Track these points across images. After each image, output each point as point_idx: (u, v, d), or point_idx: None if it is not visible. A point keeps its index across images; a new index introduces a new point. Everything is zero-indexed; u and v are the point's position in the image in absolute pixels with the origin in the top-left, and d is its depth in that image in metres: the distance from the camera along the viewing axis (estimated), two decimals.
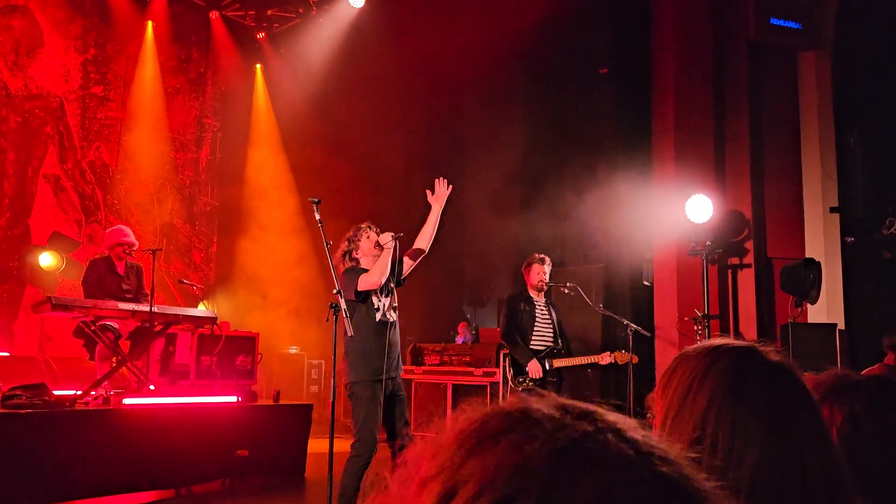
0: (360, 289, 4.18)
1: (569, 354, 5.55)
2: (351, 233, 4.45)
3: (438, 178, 4.53)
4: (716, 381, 0.93)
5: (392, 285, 4.39)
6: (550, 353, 5.48)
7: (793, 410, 0.92)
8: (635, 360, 5.55)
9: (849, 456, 1.16)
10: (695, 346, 1.01)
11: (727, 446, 0.88)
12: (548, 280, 5.61)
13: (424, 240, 4.56)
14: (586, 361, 5.54)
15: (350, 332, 4.09)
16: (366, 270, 4.29)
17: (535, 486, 0.42)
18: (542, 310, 5.57)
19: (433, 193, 4.54)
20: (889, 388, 1.22)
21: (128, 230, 6.44)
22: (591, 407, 0.49)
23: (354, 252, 4.37)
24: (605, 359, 5.48)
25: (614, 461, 0.44)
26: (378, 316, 4.23)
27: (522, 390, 5.35)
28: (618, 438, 0.45)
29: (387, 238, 4.28)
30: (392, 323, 4.29)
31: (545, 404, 0.48)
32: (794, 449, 0.88)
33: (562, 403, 0.49)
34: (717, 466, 0.87)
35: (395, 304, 4.39)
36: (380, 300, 4.28)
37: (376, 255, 4.31)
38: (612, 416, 0.48)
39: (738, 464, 0.87)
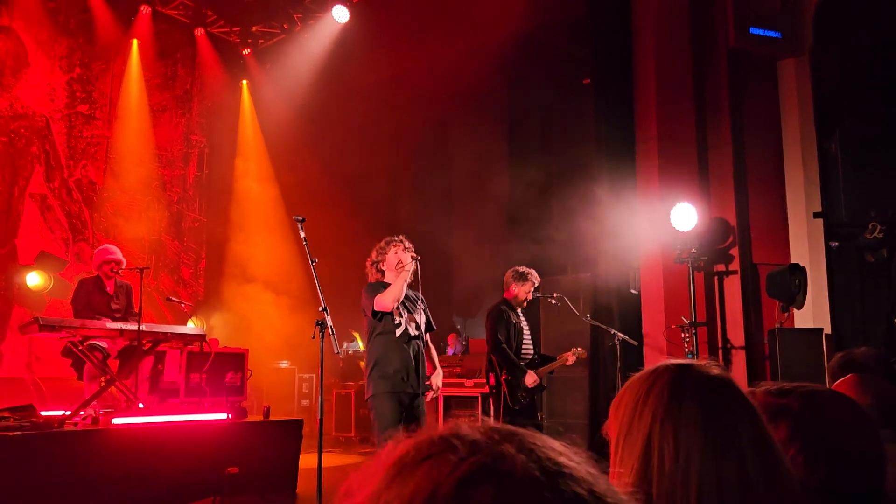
0: (375, 309, 4.28)
1: (542, 363, 5.62)
2: (382, 243, 4.56)
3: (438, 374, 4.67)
4: (657, 398, 0.97)
5: (421, 306, 4.52)
6: (533, 364, 5.54)
7: (730, 421, 0.95)
8: (583, 355, 5.70)
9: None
10: (641, 371, 1.06)
11: (673, 457, 0.92)
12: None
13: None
14: (557, 366, 5.61)
15: (336, 350, 4.13)
16: (386, 286, 4.37)
17: None
18: (524, 322, 5.63)
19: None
20: (807, 410, 1.22)
21: (115, 248, 6.44)
22: (521, 430, 0.51)
23: (381, 264, 4.48)
24: (570, 358, 5.59)
25: (519, 483, 0.45)
26: (399, 331, 4.29)
27: (519, 409, 5.36)
28: (529, 459, 0.47)
29: (407, 258, 4.37)
30: (414, 338, 4.35)
31: (473, 429, 0.50)
32: (735, 459, 0.92)
33: (490, 427, 0.51)
34: (667, 478, 0.90)
35: (420, 323, 4.47)
36: (401, 316, 4.34)
37: (399, 270, 4.40)
38: (537, 439, 0.50)
39: (685, 475, 0.91)
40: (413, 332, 4.36)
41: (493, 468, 0.46)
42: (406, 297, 4.41)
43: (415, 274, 4.40)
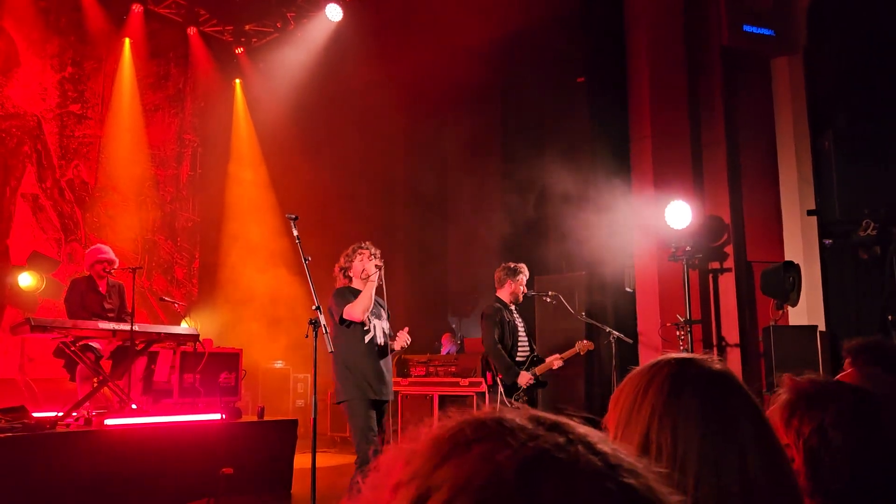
0: (344, 317, 4.38)
1: (541, 360, 5.61)
2: (349, 250, 4.64)
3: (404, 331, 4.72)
4: (656, 392, 0.95)
5: (382, 311, 4.59)
6: (532, 362, 5.53)
7: (731, 416, 0.94)
8: (591, 346, 5.79)
9: (814, 468, 1.18)
10: (642, 365, 1.04)
11: (671, 452, 0.91)
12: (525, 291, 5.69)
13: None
14: (560, 363, 5.60)
15: (330, 349, 4.13)
16: (354, 291, 4.46)
17: (505, 493, 0.43)
18: (519, 320, 5.62)
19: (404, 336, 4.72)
20: (860, 402, 1.22)
21: (107, 248, 6.40)
22: (562, 419, 0.50)
23: (349, 270, 4.56)
24: (569, 354, 5.63)
25: (583, 472, 0.45)
26: (367, 337, 4.37)
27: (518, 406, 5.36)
28: (587, 450, 0.46)
29: (371, 269, 4.46)
30: (381, 345, 4.43)
31: (518, 415, 0.49)
32: (735, 453, 0.91)
33: (534, 415, 0.50)
34: (664, 472, 0.88)
35: (386, 329, 4.57)
36: (371, 322, 4.42)
37: (364, 279, 4.49)
38: (582, 429, 0.49)
39: (682, 469, 0.89)
40: (380, 339, 4.47)
41: (554, 456, 0.45)
42: (374, 303, 4.51)
43: (380, 280, 4.51)
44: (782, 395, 1.26)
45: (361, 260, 4.55)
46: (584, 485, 0.44)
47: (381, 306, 4.66)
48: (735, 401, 0.96)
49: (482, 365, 5.56)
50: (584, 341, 5.75)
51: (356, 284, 4.54)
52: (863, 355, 1.94)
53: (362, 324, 4.37)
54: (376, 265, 4.47)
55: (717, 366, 1.00)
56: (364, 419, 4.25)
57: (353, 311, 4.35)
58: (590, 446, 0.47)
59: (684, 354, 1.02)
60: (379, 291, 4.52)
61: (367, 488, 0.49)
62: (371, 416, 4.26)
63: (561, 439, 0.47)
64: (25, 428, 4.84)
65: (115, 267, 6.30)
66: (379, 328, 4.50)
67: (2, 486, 4.51)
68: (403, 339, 4.63)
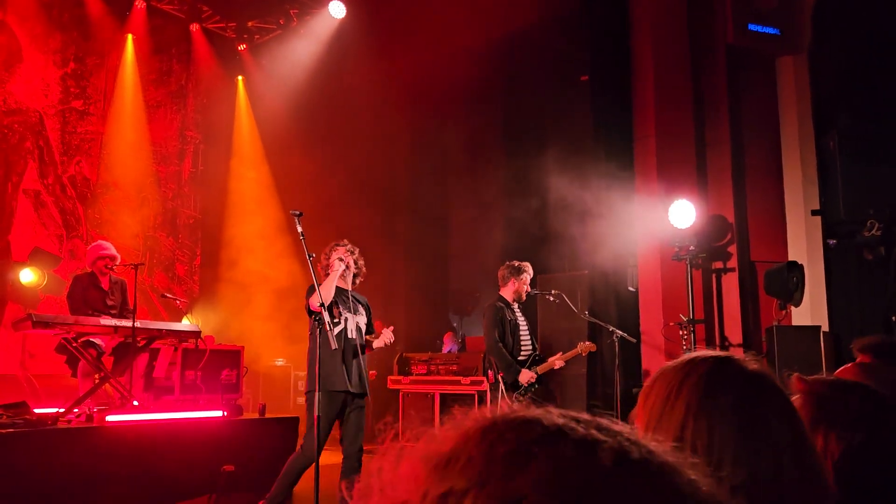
0: (310, 308, 4.48)
1: (543, 359, 5.60)
2: (328, 248, 4.76)
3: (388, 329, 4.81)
4: (691, 390, 0.93)
5: (361, 308, 4.70)
6: (534, 361, 5.51)
7: (767, 417, 0.92)
8: (593, 348, 5.80)
9: (846, 487, 1.14)
10: (675, 360, 1.01)
11: (706, 451, 0.88)
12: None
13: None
14: (562, 363, 5.59)
15: (333, 345, 4.15)
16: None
17: (606, 493, 0.40)
18: (521, 318, 5.60)
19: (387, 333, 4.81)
20: (886, 419, 1.19)
21: (108, 244, 6.38)
22: (586, 416, 0.47)
23: (329, 267, 4.66)
24: (570, 354, 5.64)
25: (653, 473, 0.43)
26: (337, 330, 4.44)
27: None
28: (640, 450, 0.44)
29: (335, 263, 4.58)
30: (351, 340, 4.51)
31: (547, 413, 0.47)
32: (770, 455, 0.88)
33: (568, 413, 0.47)
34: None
35: (361, 325, 4.65)
36: (341, 316, 4.53)
37: (330, 272, 4.59)
38: (613, 425, 0.47)
39: (718, 466, 0.87)
40: (352, 334, 4.54)
41: (632, 457, 0.43)
42: (347, 299, 4.61)
43: (355, 274, 4.68)
44: (797, 400, 1.23)
45: (335, 255, 4.66)
46: (656, 484, 0.43)
47: (360, 303, 4.75)
48: (771, 401, 0.94)
49: (484, 363, 5.55)
50: (587, 342, 5.74)
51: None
52: (873, 351, 1.92)
53: (332, 318, 4.44)
54: (339, 258, 4.56)
55: (754, 365, 0.97)
56: (323, 414, 4.34)
57: (313, 299, 4.44)
58: (641, 447, 0.45)
59: (720, 353, 1.00)
60: (359, 288, 4.65)
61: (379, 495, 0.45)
62: (331, 412, 4.37)
63: (613, 438, 0.45)
64: (27, 424, 4.82)
65: (117, 263, 6.28)
66: (352, 323, 4.57)
67: (3, 481, 4.50)
68: (387, 336, 4.67)
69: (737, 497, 0.84)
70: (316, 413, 4.27)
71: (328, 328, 4.20)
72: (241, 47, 11.02)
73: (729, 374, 0.95)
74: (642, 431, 0.95)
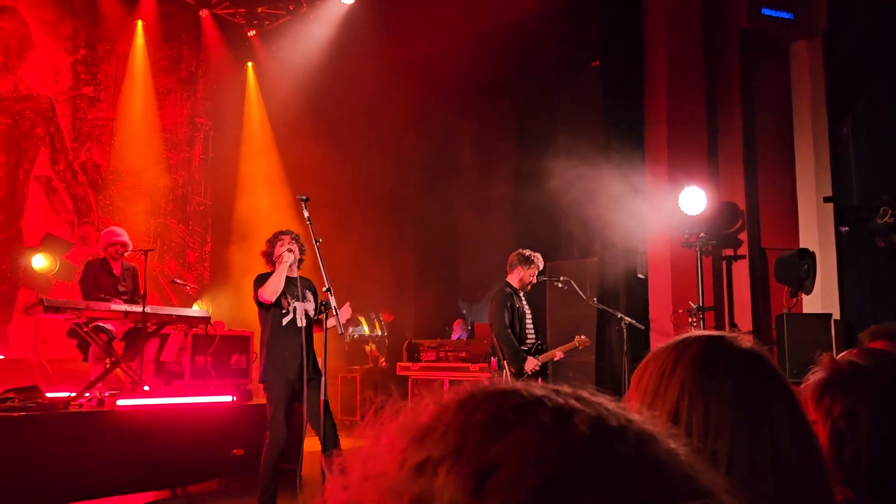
0: (260, 300, 4.58)
1: (545, 349, 5.61)
2: (271, 236, 4.80)
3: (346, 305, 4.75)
4: (685, 369, 0.92)
5: (308, 293, 4.75)
6: (537, 350, 5.51)
7: (763, 396, 0.91)
8: (587, 343, 5.83)
9: (838, 449, 1.15)
10: (668, 341, 1.00)
11: (701, 431, 0.87)
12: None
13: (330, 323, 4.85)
14: (561, 354, 5.59)
15: (341, 331, 4.18)
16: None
17: (580, 461, 0.40)
18: (527, 306, 5.60)
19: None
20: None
21: (121, 231, 6.42)
22: (574, 390, 0.48)
23: (273, 255, 4.70)
24: (567, 347, 5.66)
25: (640, 436, 0.43)
26: (286, 320, 4.53)
27: None
28: (622, 419, 0.45)
29: (284, 255, 4.61)
30: (302, 328, 4.58)
31: (527, 385, 0.46)
32: (767, 433, 0.88)
33: (549, 386, 0.47)
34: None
35: (310, 311, 4.70)
36: (290, 305, 4.59)
37: (279, 263, 4.62)
38: (592, 395, 0.47)
39: (714, 445, 0.86)
40: (301, 321, 4.60)
41: (609, 425, 0.43)
42: (295, 286, 4.66)
43: (298, 262, 4.73)
44: (819, 372, 1.24)
45: (280, 245, 4.68)
46: (640, 448, 0.42)
47: (309, 289, 4.81)
48: (767, 380, 0.92)
49: (490, 349, 5.54)
50: (582, 336, 5.74)
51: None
52: (888, 336, 1.91)
53: (280, 306, 4.53)
54: (288, 249, 4.61)
55: (747, 343, 0.96)
56: (277, 401, 4.48)
57: (263, 292, 4.53)
58: (622, 416, 0.45)
59: (712, 332, 0.99)
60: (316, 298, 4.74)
61: (359, 471, 0.44)
62: (285, 398, 4.47)
63: (603, 410, 0.45)
64: (39, 407, 4.88)
65: (129, 250, 6.32)
66: (300, 310, 4.64)
67: (15, 464, 4.56)
68: (346, 313, 4.64)
69: (732, 475, 0.84)
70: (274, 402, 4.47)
71: (290, 315, 4.37)
72: (251, 33, 11.00)
73: (723, 352, 0.94)
74: (636, 411, 0.94)
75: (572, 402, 0.44)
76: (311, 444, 6.08)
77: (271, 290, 4.53)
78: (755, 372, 0.92)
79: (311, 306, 4.76)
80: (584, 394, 0.46)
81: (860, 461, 1.11)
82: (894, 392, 1.16)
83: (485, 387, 0.46)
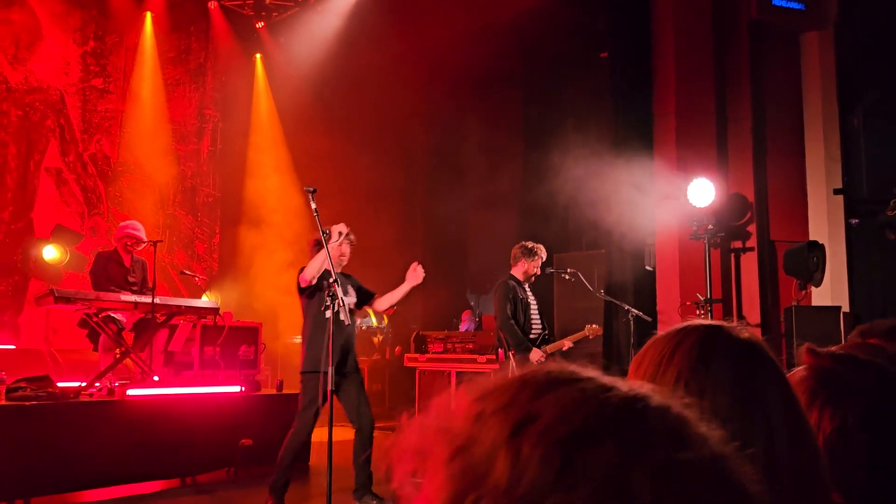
0: (301, 286, 4.62)
1: (552, 339, 5.62)
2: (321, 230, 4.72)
3: (415, 263, 4.88)
4: (683, 358, 0.92)
5: (351, 289, 4.80)
6: (544, 340, 5.52)
7: (760, 386, 0.91)
8: (600, 331, 5.85)
9: (833, 464, 1.12)
10: (667, 329, 1.00)
11: None
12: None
13: (386, 303, 5.05)
14: (570, 344, 5.60)
15: (347, 321, 4.19)
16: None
17: (608, 426, 0.44)
18: (531, 297, 5.60)
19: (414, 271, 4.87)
20: (888, 392, 1.15)
21: (140, 226, 6.47)
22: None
23: (329, 238, 4.64)
24: (578, 336, 5.68)
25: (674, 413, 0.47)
26: (329, 313, 4.42)
27: None
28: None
29: (332, 236, 4.59)
30: (344, 323, 4.57)
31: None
32: (761, 426, 0.88)
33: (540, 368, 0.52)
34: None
35: (351, 304, 4.73)
36: (332, 298, 4.48)
37: (336, 256, 4.63)
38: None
39: None
40: (343, 316, 4.57)
41: (645, 399, 0.47)
42: (338, 280, 4.57)
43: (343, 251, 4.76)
44: (801, 372, 1.20)
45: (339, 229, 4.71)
46: (671, 414, 0.46)
47: (352, 285, 4.85)
48: (764, 371, 0.92)
49: (496, 341, 5.56)
50: (594, 325, 5.74)
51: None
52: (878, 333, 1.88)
53: (323, 300, 4.48)
54: (340, 231, 4.60)
55: (745, 334, 0.96)
56: (311, 392, 4.47)
57: (305, 273, 4.54)
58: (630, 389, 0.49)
59: (712, 321, 0.99)
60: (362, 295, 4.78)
61: (424, 429, 0.49)
62: (319, 391, 4.41)
63: (649, 391, 0.49)
64: (50, 397, 4.92)
65: (142, 246, 6.36)
66: (343, 304, 4.58)
67: (26, 452, 4.60)
68: (417, 275, 4.73)
69: None
70: (310, 394, 4.45)
71: (340, 303, 4.26)
72: (259, 25, 11.00)
73: (721, 343, 0.94)
74: None
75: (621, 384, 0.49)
76: (319, 434, 6.13)
77: (313, 269, 4.51)
78: (753, 362, 0.92)
79: (352, 300, 4.76)
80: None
81: (856, 476, 1.10)
82: (884, 406, 1.13)
83: (546, 366, 0.51)
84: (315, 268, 4.53)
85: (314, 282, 4.55)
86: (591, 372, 0.50)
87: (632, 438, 0.43)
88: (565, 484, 0.41)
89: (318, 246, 4.68)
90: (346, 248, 4.78)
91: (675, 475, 0.42)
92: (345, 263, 4.86)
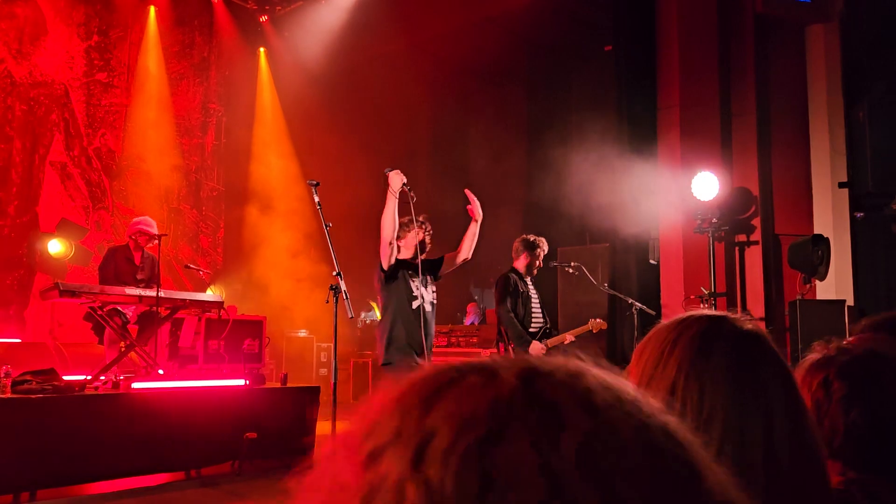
0: (383, 266, 4.36)
1: (554, 333, 5.62)
2: (405, 220, 4.60)
3: (471, 202, 4.74)
4: (685, 348, 0.92)
5: (429, 277, 4.58)
6: (545, 334, 5.52)
7: (761, 379, 0.91)
8: (604, 326, 5.79)
9: (819, 422, 1.16)
10: (670, 319, 1.00)
11: (696, 411, 0.88)
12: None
13: (465, 247, 4.84)
14: (572, 338, 5.60)
15: (350, 315, 4.16)
16: (400, 262, 4.45)
17: (515, 413, 0.39)
18: (533, 290, 5.61)
19: (470, 206, 4.76)
20: (870, 358, 1.21)
21: (152, 222, 6.49)
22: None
23: (398, 240, 4.51)
24: (581, 330, 5.65)
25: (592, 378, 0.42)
26: (415, 304, 4.37)
27: None
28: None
29: (395, 184, 4.40)
30: (427, 311, 4.43)
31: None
32: (761, 418, 0.88)
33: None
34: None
35: (433, 299, 4.55)
36: (417, 288, 4.43)
37: (413, 247, 4.48)
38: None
39: (707, 427, 0.86)
40: (428, 307, 4.45)
41: (532, 371, 0.42)
42: (416, 271, 4.48)
43: (422, 245, 4.56)
44: (811, 358, 1.26)
45: (417, 234, 4.55)
46: (569, 383, 0.41)
47: (429, 273, 4.63)
48: (766, 363, 0.92)
49: (497, 335, 5.56)
50: (598, 319, 5.74)
51: (403, 255, 4.53)
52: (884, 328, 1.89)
53: (410, 289, 4.35)
54: (405, 183, 4.41)
55: (749, 325, 0.96)
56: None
57: (380, 240, 4.32)
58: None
59: (715, 312, 0.99)
60: (431, 267, 4.56)
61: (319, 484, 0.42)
62: None
63: (532, 360, 0.44)
64: (55, 390, 4.94)
65: (151, 244, 6.39)
66: (428, 296, 4.50)
67: (32, 445, 4.63)
68: (478, 209, 4.64)
69: (723, 455, 0.84)
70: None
71: (419, 300, 4.17)
72: (263, 19, 10.99)
73: (723, 333, 0.94)
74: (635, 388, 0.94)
75: (501, 361, 0.43)
76: (321, 427, 6.15)
77: (385, 222, 4.33)
78: (754, 354, 0.92)
79: (432, 294, 4.59)
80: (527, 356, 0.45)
81: (837, 429, 1.13)
82: (864, 360, 1.19)
83: (421, 372, 0.45)
84: (384, 222, 4.31)
85: (390, 238, 4.31)
86: (465, 361, 0.44)
87: (539, 425, 0.39)
88: (491, 497, 0.36)
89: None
90: (425, 237, 4.61)
91: (598, 449, 0.38)
92: (427, 250, 4.65)
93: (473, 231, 4.81)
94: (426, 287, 4.52)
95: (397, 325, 4.38)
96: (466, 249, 4.83)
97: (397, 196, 4.37)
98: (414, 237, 4.54)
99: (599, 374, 0.44)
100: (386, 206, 4.36)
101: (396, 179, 4.42)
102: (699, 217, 6.67)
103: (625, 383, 0.45)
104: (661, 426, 0.43)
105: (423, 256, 4.55)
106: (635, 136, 7.14)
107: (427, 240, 4.61)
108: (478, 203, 4.74)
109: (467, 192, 4.77)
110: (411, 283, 4.42)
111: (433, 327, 4.56)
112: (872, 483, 1.12)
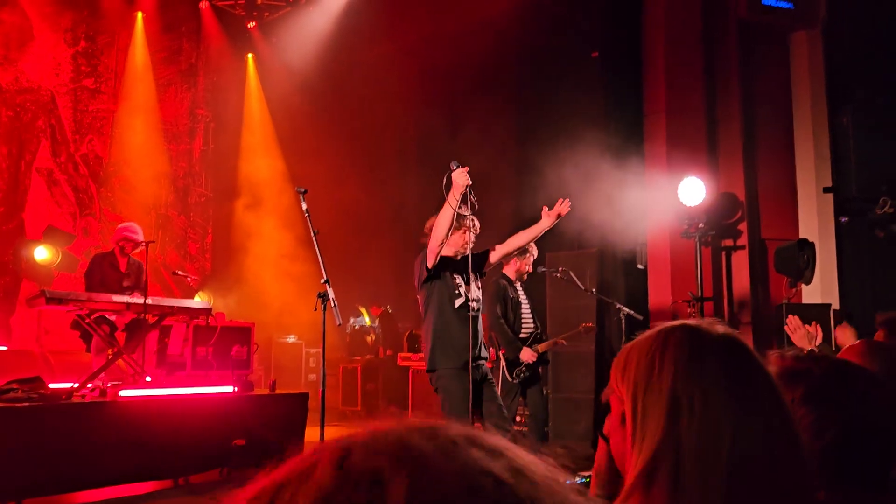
0: (429, 265, 4.14)
1: (545, 338, 5.66)
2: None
3: (564, 200, 4.52)
4: (675, 355, 0.93)
5: (473, 274, 4.34)
6: (535, 339, 5.54)
7: (751, 379, 0.93)
8: (594, 328, 5.94)
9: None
10: (642, 334, 1.01)
11: (703, 415, 0.89)
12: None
13: (521, 240, 4.59)
14: (563, 342, 5.64)
15: (339, 322, 4.14)
16: (443, 259, 4.23)
17: (345, 495, 0.43)
18: (523, 296, 5.63)
19: (550, 210, 4.53)
20: (835, 377, 1.23)
21: (138, 228, 6.46)
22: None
23: (452, 190, 4.21)
24: (570, 334, 5.77)
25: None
26: (458, 301, 4.19)
27: (520, 381, 5.45)
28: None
29: (461, 180, 4.09)
30: (474, 310, 4.22)
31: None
32: (759, 416, 0.90)
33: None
34: (696, 435, 0.88)
35: (478, 296, 4.33)
36: (461, 287, 4.23)
37: (458, 245, 4.26)
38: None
39: (717, 432, 0.88)
40: (473, 305, 4.21)
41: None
42: (462, 269, 4.25)
43: (466, 245, 4.32)
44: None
45: (463, 234, 4.30)
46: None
47: (475, 273, 4.39)
48: (751, 362, 0.95)
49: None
50: (589, 324, 5.81)
51: (445, 252, 4.25)
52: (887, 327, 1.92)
53: (454, 288, 4.16)
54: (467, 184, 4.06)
55: (722, 329, 0.98)
56: (456, 395, 3.98)
57: (433, 237, 4.09)
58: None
59: (686, 321, 1.00)
60: (475, 262, 4.33)
61: None
62: (465, 390, 3.94)
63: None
64: (42, 398, 4.90)
65: (139, 250, 6.36)
66: (472, 294, 4.25)
67: (18, 454, 4.59)
68: (565, 205, 4.39)
69: (734, 458, 0.86)
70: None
71: (462, 298, 3.98)
72: (251, 25, 10.99)
73: (707, 339, 0.95)
74: (629, 402, 0.95)
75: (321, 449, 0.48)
76: (311, 434, 6.13)
77: (439, 229, 4.06)
78: (740, 355, 0.95)
79: (477, 292, 4.33)
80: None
81: (812, 453, 1.14)
82: (825, 384, 1.21)
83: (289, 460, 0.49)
84: (439, 229, 4.05)
85: (440, 241, 4.06)
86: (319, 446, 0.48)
87: (364, 493, 0.43)
88: None
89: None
90: (470, 236, 4.34)
91: (424, 487, 0.42)
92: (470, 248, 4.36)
93: (539, 230, 4.54)
94: (469, 284, 4.26)
95: (440, 327, 4.15)
96: (520, 240, 4.56)
97: (459, 196, 4.07)
98: (461, 237, 4.30)
99: (415, 424, 0.47)
100: (446, 205, 4.07)
101: (462, 178, 4.12)
102: (686, 222, 6.72)
103: (450, 427, 0.48)
104: (483, 469, 0.45)
105: (466, 252, 4.29)
106: (622, 142, 7.19)
107: (473, 239, 4.35)
108: (567, 207, 4.46)
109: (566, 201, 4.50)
110: (453, 280, 4.21)
111: (480, 326, 4.31)
112: (856, 497, 1.14)
